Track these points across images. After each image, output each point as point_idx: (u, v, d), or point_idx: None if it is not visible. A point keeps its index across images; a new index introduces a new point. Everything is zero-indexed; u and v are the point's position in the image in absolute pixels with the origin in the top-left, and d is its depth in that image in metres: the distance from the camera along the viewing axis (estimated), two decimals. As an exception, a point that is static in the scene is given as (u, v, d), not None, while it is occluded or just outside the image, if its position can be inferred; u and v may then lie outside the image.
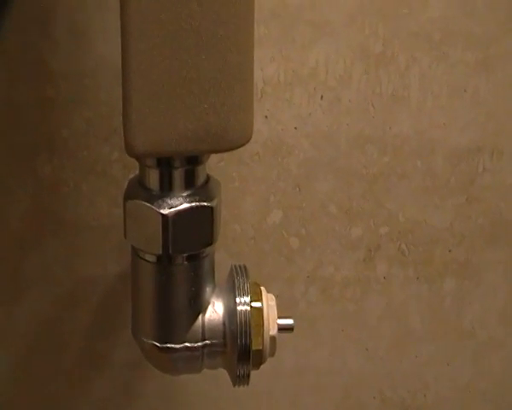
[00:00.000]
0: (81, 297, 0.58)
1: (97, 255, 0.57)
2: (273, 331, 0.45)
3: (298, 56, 0.56)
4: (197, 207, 0.43)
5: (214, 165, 0.54)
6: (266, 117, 0.56)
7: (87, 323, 0.59)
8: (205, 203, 0.43)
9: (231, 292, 0.45)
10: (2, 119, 0.54)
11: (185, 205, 0.42)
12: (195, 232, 0.43)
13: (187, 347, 0.44)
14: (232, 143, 0.42)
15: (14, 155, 0.55)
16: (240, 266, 0.47)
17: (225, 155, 0.56)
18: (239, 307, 0.44)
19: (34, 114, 0.54)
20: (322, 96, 0.57)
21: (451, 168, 0.59)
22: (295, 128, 0.57)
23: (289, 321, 0.47)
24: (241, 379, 0.45)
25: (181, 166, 0.43)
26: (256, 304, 0.45)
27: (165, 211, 0.42)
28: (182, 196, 0.43)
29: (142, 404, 0.62)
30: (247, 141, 0.43)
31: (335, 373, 0.63)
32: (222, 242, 0.53)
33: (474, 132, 0.59)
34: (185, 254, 0.43)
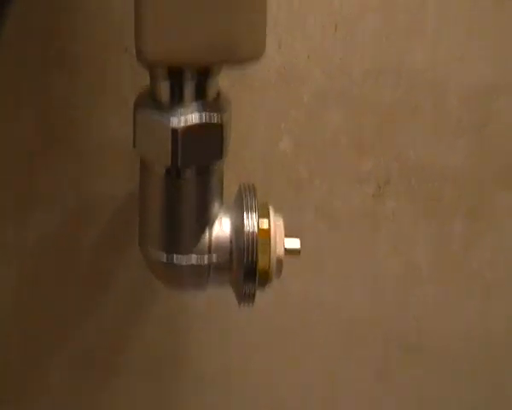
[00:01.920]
0: (90, 215, 0.58)
1: (106, 174, 0.57)
2: (280, 251, 0.45)
3: (313, -17, 0.54)
4: (207, 120, 0.42)
5: (226, 89, 0.53)
6: (279, 45, 0.55)
7: (95, 240, 0.59)
8: (215, 116, 0.42)
9: (239, 210, 0.45)
10: (11, 32, 0.52)
11: (195, 117, 0.42)
12: (205, 145, 0.42)
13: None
14: (244, 56, 0.41)
15: (26, 68, 0.54)
16: (248, 185, 0.46)
17: (237, 80, 0.55)
18: (246, 226, 0.44)
19: (44, 30, 0.53)
20: (336, 26, 0.56)
21: (465, 106, 0.58)
22: (308, 57, 0.56)
23: (296, 242, 0.46)
24: (246, 298, 0.44)
25: (192, 78, 0.42)
26: (263, 223, 0.44)
27: (175, 123, 0.41)
28: (192, 109, 0.42)
29: (145, 326, 0.62)
30: (259, 56, 0.42)
31: (340, 308, 0.62)
32: (230, 168, 0.52)
33: (490, 70, 0.57)
34: (194, 168, 0.43)
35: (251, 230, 0.44)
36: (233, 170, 0.55)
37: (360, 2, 0.55)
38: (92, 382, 0.63)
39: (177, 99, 0.42)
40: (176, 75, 0.42)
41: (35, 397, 0.63)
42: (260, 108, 0.57)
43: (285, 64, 0.56)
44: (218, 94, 0.44)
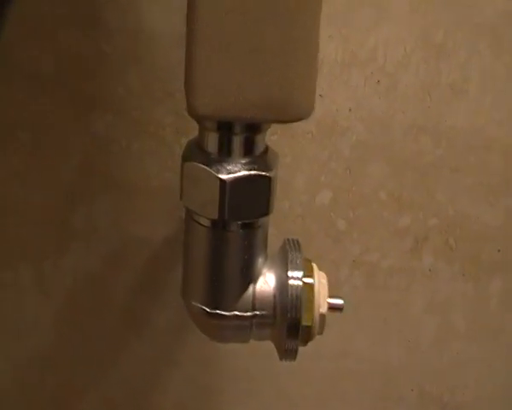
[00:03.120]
0: (126, 257, 0.58)
1: (144, 217, 0.57)
2: (323, 309, 0.44)
3: (357, 38, 0.55)
4: (256, 175, 0.42)
5: (267, 138, 0.53)
6: (321, 96, 0.55)
7: (131, 283, 0.59)
8: (263, 173, 0.42)
9: (284, 265, 0.44)
10: (60, 72, 0.53)
11: (244, 172, 0.42)
12: (252, 201, 0.42)
13: (236, 315, 0.43)
14: (294, 114, 0.42)
15: (68, 109, 0.54)
16: (293, 240, 0.46)
17: (279, 129, 0.55)
18: (291, 281, 0.43)
19: (90, 70, 0.53)
20: (378, 81, 0.56)
21: (506, 167, 0.58)
22: (350, 110, 0.56)
23: (339, 301, 0.46)
24: (288, 354, 0.44)
25: (241, 133, 0.42)
26: (308, 280, 0.44)
27: (224, 176, 0.41)
28: (240, 163, 0.42)
29: (178, 370, 0.61)
30: (309, 114, 0.42)
31: (375, 361, 0.62)
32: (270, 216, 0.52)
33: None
34: (240, 222, 0.43)
35: (295, 286, 0.43)
36: (270, 219, 0.55)
37: (403, 56, 0.55)
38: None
39: (225, 152, 0.42)
40: (225, 129, 0.42)
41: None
42: (300, 158, 0.57)
43: (327, 116, 0.56)
44: (267, 148, 0.44)
